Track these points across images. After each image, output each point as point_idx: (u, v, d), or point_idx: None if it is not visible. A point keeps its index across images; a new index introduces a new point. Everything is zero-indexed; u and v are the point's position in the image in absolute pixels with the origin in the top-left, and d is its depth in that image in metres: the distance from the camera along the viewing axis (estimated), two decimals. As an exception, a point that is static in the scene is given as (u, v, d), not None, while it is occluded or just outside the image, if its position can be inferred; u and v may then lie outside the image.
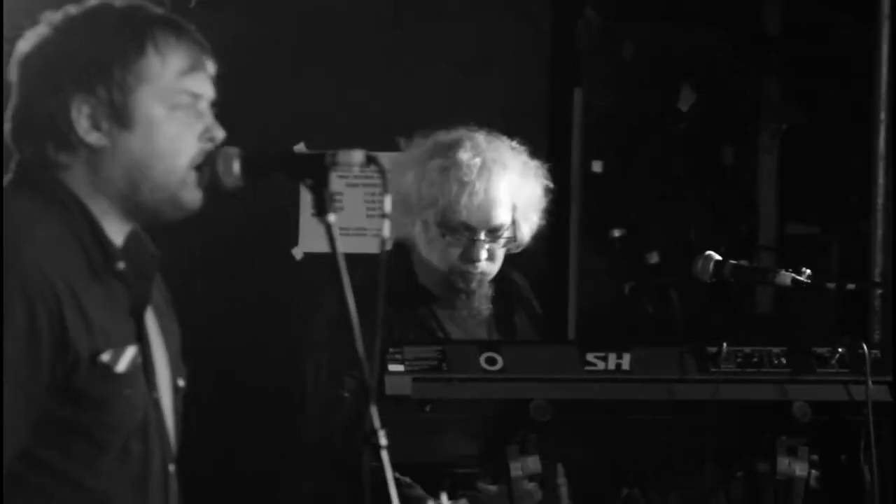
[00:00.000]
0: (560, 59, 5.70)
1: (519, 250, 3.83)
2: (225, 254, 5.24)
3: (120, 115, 2.50)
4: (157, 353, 2.60)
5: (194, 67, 2.56)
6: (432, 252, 3.74)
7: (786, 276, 3.50)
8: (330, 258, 2.44)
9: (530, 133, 3.86)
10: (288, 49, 5.33)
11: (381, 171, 2.50)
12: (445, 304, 3.79)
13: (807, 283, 3.49)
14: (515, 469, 3.28)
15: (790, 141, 6.13)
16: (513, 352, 3.31)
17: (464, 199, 3.67)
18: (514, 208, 3.75)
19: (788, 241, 6.16)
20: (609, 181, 5.93)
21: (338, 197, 5.25)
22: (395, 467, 2.41)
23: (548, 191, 3.83)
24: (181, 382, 2.67)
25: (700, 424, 3.39)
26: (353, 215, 5.29)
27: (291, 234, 5.32)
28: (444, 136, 3.78)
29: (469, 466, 3.42)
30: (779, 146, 6.16)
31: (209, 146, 2.55)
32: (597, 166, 5.91)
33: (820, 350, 3.42)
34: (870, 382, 3.34)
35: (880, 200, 5.29)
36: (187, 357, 2.70)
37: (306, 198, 2.60)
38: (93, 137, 2.51)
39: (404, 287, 3.76)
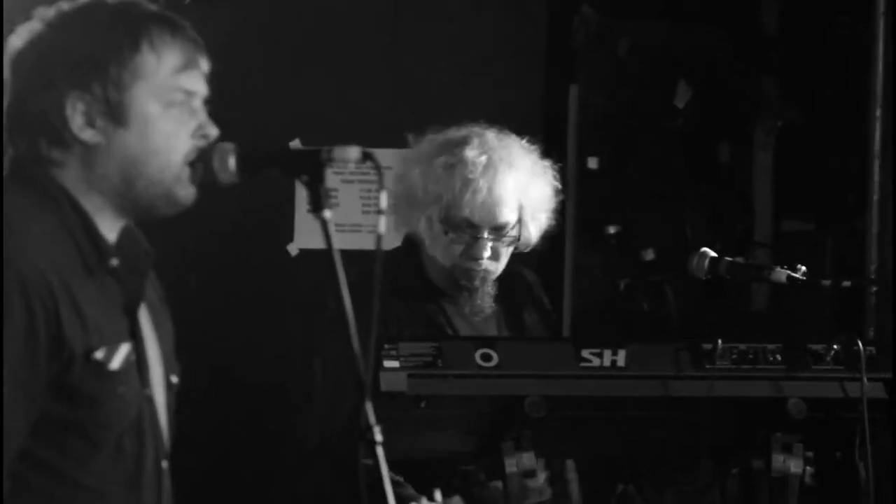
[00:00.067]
0: (556, 55, 5.70)
1: (527, 250, 3.82)
2: (220, 250, 5.24)
3: (115, 113, 2.50)
4: (150, 350, 2.59)
5: (189, 65, 2.56)
6: (436, 248, 3.73)
7: (781, 273, 3.50)
8: (326, 255, 2.44)
9: (526, 130, 3.86)
10: (283, 46, 5.33)
11: (377, 168, 2.49)
12: (452, 300, 3.79)
13: (802, 280, 3.49)
14: (510, 465, 3.28)
15: (786, 138, 6.13)
16: (508, 348, 3.31)
17: (467, 197, 3.67)
18: (520, 207, 3.73)
19: (784, 238, 6.17)
20: (605, 178, 5.94)
21: (333, 193, 5.24)
22: (389, 464, 2.41)
23: (557, 191, 3.82)
24: (174, 379, 2.67)
25: (695, 421, 3.39)
26: (349, 212, 5.28)
27: (287, 231, 5.31)
28: (453, 133, 3.76)
29: (464, 463, 3.42)
30: (774, 143, 6.17)
31: (202, 143, 2.55)
32: (592, 163, 5.91)
33: (815, 347, 3.42)
34: (865, 379, 3.34)
35: (875, 198, 5.29)
36: (182, 353, 2.69)
37: (302, 194, 2.61)
38: (87, 134, 2.50)
39: (414, 281, 3.76)
